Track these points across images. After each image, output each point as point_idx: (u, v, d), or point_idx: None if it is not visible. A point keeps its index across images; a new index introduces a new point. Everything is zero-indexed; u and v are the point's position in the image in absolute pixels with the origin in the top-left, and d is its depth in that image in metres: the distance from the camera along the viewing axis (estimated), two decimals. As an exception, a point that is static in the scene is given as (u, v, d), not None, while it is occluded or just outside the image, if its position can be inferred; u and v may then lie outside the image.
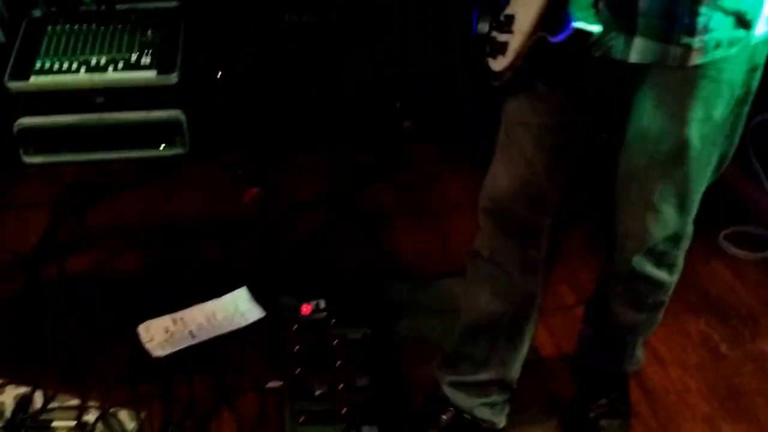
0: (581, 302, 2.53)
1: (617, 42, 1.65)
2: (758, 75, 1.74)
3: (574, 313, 2.55)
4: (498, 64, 1.73)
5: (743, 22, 1.62)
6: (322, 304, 2.55)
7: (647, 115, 1.74)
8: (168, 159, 3.25)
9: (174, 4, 3.41)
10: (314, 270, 2.77)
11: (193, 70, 3.25)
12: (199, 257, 2.82)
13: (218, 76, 3.23)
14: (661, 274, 1.99)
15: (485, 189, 1.97)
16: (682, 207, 1.86)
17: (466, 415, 2.21)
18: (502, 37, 1.72)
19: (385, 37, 3.27)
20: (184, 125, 3.20)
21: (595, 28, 1.57)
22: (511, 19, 1.70)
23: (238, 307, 2.59)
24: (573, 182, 1.94)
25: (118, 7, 3.34)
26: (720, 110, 1.72)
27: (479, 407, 2.20)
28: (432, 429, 2.23)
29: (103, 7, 3.32)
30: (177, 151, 3.25)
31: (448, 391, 2.22)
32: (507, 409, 2.24)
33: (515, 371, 2.18)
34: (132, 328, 2.50)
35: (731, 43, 1.63)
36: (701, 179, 1.83)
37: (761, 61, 1.72)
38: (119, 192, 3.11)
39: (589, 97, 1.79)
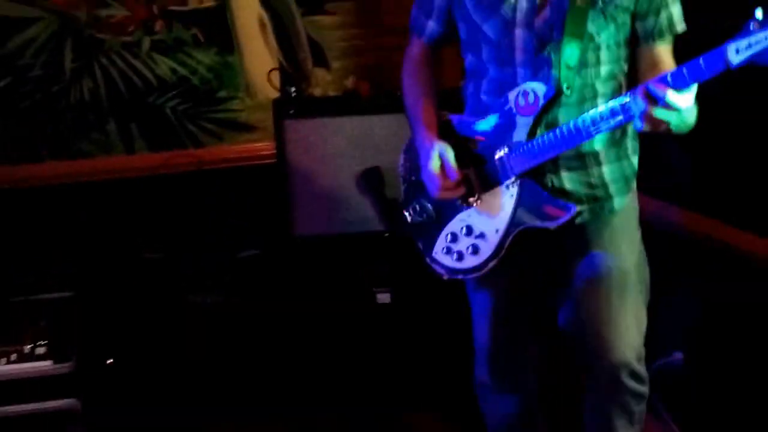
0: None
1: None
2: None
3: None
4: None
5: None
6: None
7: (593, 259, 2.14)
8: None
9: (68, 294, 3.38)
10: None
11: (88, 357, 3.16)
12: None
13: (108, 363, 3.16)
14: (640, 388, 2.30)
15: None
16: (639, 325, 2.23)
17: None
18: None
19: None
20: (79, 414, 3.06)
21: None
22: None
23: None
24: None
25: (12, 299, 3.29)
26: (637, 238, 2.26)
27: None
28: None
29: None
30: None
31: None
32: None
33: None
34: None
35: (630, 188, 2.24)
36: (644, 299, 2.26)
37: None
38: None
39: (548, 255, 2.21)
